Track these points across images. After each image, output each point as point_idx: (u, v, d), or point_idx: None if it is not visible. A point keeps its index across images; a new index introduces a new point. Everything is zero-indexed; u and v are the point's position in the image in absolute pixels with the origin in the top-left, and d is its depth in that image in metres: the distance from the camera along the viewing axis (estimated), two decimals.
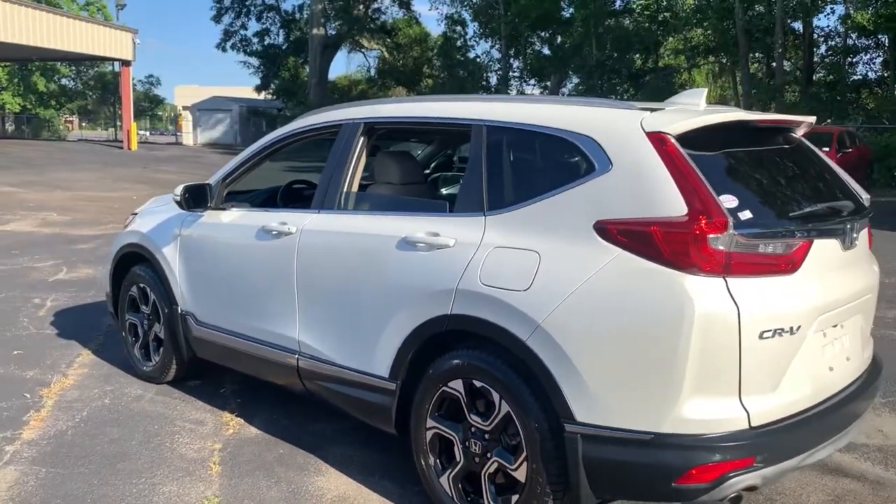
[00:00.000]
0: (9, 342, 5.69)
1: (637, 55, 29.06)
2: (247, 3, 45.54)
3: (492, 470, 2.98)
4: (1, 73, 58.16)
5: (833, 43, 24.30)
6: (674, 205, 2.58)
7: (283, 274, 3.78)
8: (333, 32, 41.63)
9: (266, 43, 47.34)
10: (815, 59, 24.98)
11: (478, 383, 2.99)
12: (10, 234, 11.15)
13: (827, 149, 15.75)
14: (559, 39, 34.09)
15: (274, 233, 3.86)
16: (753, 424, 2.59)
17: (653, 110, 2.87)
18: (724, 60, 28.20)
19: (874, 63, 24.88)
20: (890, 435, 4.22)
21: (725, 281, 2.55)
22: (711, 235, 2.53)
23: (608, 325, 2.64)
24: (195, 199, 4.25)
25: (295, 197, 4.69)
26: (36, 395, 4.64)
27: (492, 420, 2.96)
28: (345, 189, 3.71)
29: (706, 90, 3.20)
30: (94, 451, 3.87)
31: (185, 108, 57.66)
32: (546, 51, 35.54)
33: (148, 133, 67.37)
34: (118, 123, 49.38)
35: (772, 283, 2.65)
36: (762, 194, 2.95)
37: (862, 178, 17.42)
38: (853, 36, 23.54)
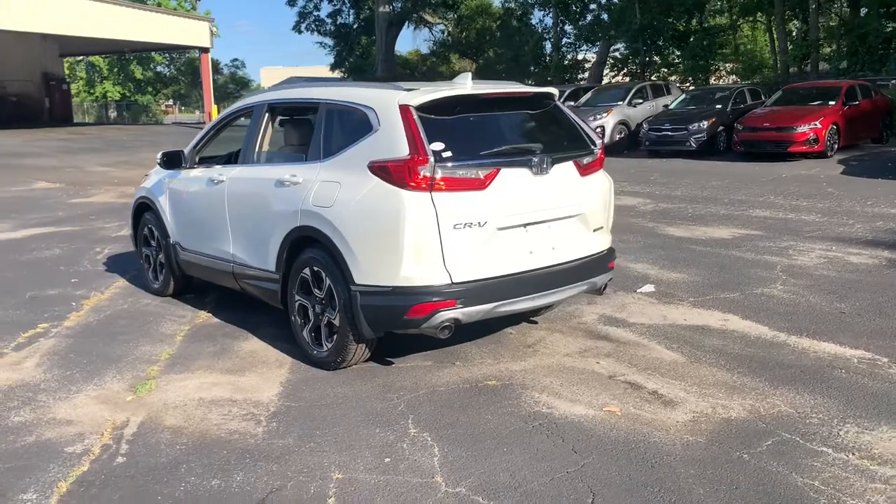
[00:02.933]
0: (70, 275, 7.79)
1: (681, 17, 29.47)
2: None
3: (325, 322, 4.71)
4: (102, 64, 63.03)
5: None
6: (402, 150, 4.21)
7: (220, 209, 5.59)
8: (399, 8, 43.21)
9: (339, 23, 49.50)
10: (861, 11, 24.94)
11: (316, 269, 4.71)
12: (90, 204, 13.52)
13: (833, 102, 16.38)
14: (615, 2, 34.52)
15: (215, 181, 5.68)
16: (454, 280, 4.21)
17: (410, 90, 4.46)
18: (761, 19, 28.37)
19: None
20: (668, 318, 5.68)
21: (430, 195, 4.16)
22: (419, 167, 4.14)
23: (369, 223, 4.31)
24: (171, 161, 6.12)
25: None
26: (79, 303, 6.65)
27: (323, 290, 4.68)
28: (255, 149, 5.48)
29: (470, 74, 4.77)
30: (106, 331, 5.82)
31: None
32: (605, 17, 36.05)
33: None
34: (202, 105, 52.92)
35: (466, 194, 4.24)
36: (466, 141, 4.49)
37: (875, 129, 17.82)
38: None
